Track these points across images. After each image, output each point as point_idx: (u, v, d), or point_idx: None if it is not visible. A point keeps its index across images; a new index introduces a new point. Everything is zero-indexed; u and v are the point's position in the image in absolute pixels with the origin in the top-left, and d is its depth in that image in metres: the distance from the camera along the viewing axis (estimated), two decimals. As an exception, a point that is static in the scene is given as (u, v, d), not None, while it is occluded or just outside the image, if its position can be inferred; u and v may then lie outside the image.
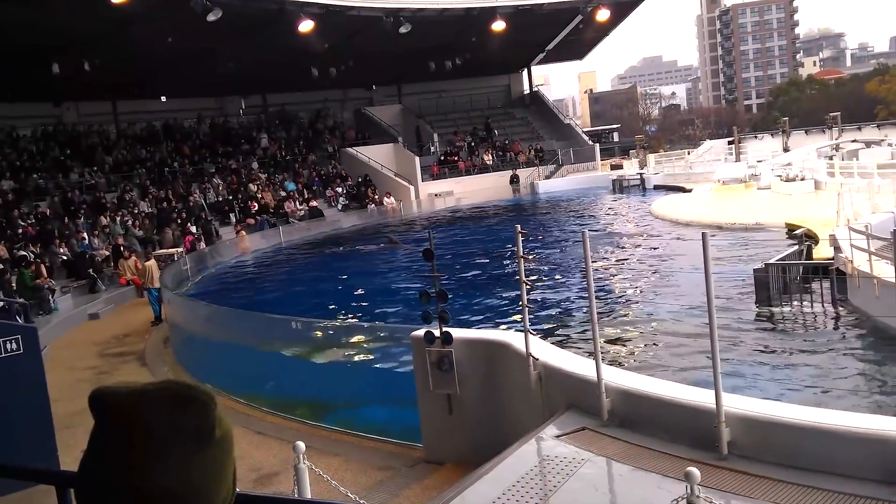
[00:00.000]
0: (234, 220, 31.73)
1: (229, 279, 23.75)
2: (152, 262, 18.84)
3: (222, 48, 32.54)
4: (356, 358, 9.99)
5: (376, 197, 38.72)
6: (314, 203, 35.84)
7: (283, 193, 36.20)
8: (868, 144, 34.11)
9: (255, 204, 33.63)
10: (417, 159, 41.68)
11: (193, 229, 28.79)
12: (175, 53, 31.81)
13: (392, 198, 38.77)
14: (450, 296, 7.57)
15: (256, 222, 31.92)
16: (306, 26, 33.13)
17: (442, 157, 44.36)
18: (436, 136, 45.72)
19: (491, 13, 40.28)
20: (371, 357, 9.86)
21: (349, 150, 42.09)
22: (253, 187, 35.30)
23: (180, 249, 25.48)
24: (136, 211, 29.33)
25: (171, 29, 29.78)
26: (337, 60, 39.06)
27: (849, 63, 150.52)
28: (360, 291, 19.05)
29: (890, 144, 33.32)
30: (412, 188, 40.44)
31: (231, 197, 34.06)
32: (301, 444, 4.71)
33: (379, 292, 18.90)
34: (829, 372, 9.56)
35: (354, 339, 10.44)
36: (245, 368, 11.30)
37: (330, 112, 46.23)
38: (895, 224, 12.77)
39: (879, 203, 16.93)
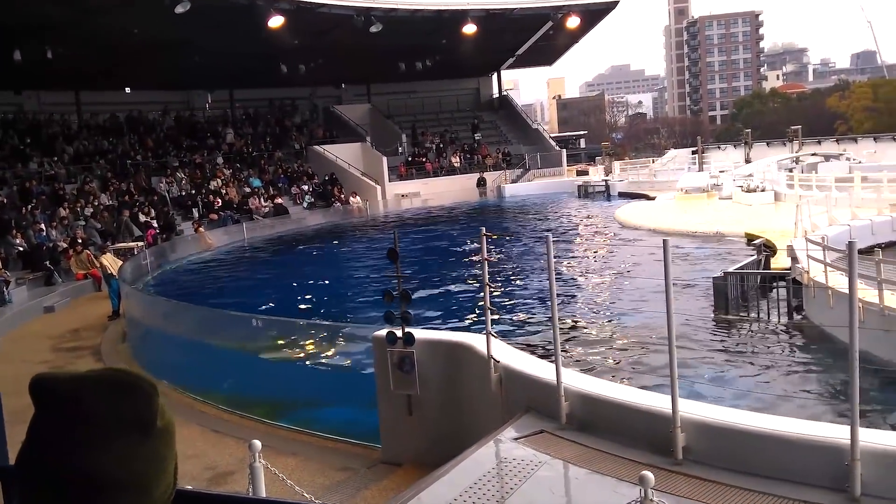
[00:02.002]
0: (196, 214, 31.32)
1: (190, 275, 23.44)
2: (108, 256, 18.51)
3: (190, 41, 32.11)
4: (317, 357, 9.92)
5: (342, 196, 38.53)
6: (279, 200, 35.56)
7: (248, 189, 35.84)
8: (827, 158, 34.85)
9: (219, 199, 33.24)
10: (385, 159, 41.60)
11: (155, 223, 28.38)
12: (141, 45, 31.32)
13: (358, 197, 38.62)
14: (413, 296, 7.56)
15: (219, 218, 31.56)
16: (276, 22, 32.87)
17: (409, 158, 44.32)
18: (404, 136, 45.68)
19: (462, 16, 40.37)
20: (332, 356, 9.81)
21: (316, 147, 41.83)
22: (217, 182, 34.90)
23: (141, 243, 25.09)
24: (96, 203, 28.80)
25: (138, 19, 29.32)
26: (306, 58, 38.83)
27: (811, 78, 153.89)
28: (323, 290, 18.94)
29: (848, 159, 34.10)
30: (379, 188, 40.34)
31: (194, 191, 33.63)
32: (257, 443, 4.66)
33: (342, 291, 18.82)
34: (783, 380, 9.75)
35: (315, 338, 10.37)
36: (203, 366, 11.15)
37: (298, 109, 45.94)
38: (851, 237, 13.08)
39: (836, 216, 17.32)
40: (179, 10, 28.06)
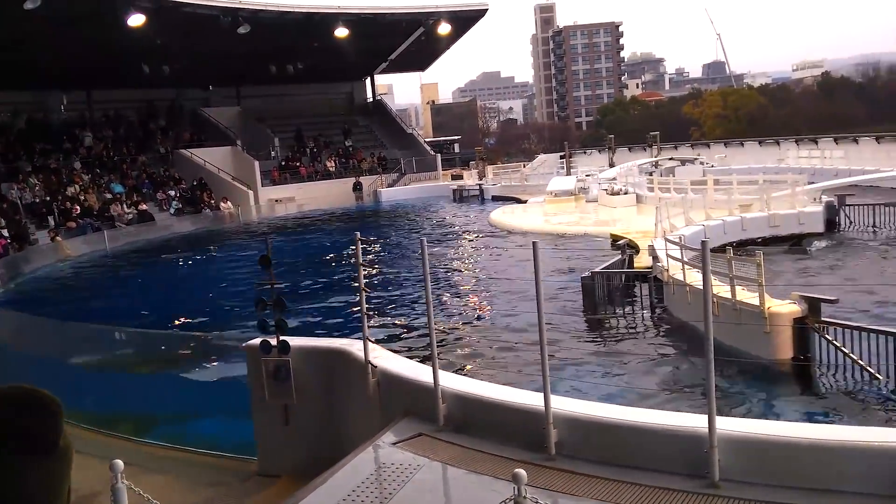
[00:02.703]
0: (52, 222, 29.41)
1: (47, 287, 21.98)
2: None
3: (42, 39, 30.12)
4: (187, 369, 9.55)
5: (212, 201, 37.30)
6: (144, 206, 33.97)
7: (109, 196, 34.02)
8: (683, 162, 36.92)
9: (77, 206, 31.35)
10: (257, 163, 40.67)
11: (6, 232, 26.43)
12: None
13: (229, 202, 37.52)
14: (288, 303, 7.42)
15: (78, 226, 29.79)
16: (137, 20, 31.42)
17: (283, 162, 43.50)
18: (277, 140, 44.78)
19: (334, 19, 40.07)
20: (203, 368, 9.47)
21: (183, 151, 40.29)
22: (74, 188, 32.91)
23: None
24: (-65, 211, 26.52)
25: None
26: (171, 58, 37.32)
27: (667, 86, 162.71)
28: (194, 299, 18.26)
29: (702, 163, 36.26)
30: (251, 193, 39.37)
31: (49, 198, 31.55)
32: (119, 463, 4.42)
33: (215, 300, 18.21)
34: (648, 373, 10.25)
35: (185, 350, 9.97)
36: (64, 382, 10.47)
37: (162, 111, 44.09)
38: (705, 236, 13.94)
39: (692, 217, 18.35)
40: (29, 5, 26.30)
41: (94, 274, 24.34)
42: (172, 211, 35.63)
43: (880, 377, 8.71)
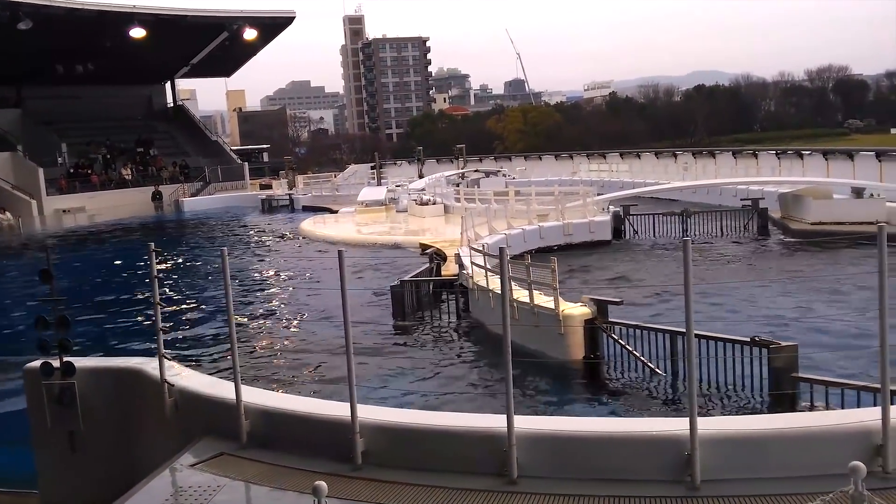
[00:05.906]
0: None
1: None
2: None
3: None
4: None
5: (-12, 212, 33.78)
6: None
7: None
8: (487, 174, 38.51)
9: None
10: (41, 171, 37.42)
11: None
12: None
13: (8, 213, 34.20)
14: (76, 321, 6.88)
15: None
16: None
17: (72, 170, 40.27)
18: (65, 145, 41.39)
19: (128, 18, 37.86)
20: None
21: (-48, 156, 36.20)
22: None
23: None
24: None
25: None
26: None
27: (472, 102, 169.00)
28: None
29: (505, 175, 38.02)
30: (35, 203, 36.16)
31: None
32: None
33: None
34: (454, 377, 10.52)
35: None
36: None
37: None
38: (507, 244, 14.59)
39: (495, 226, 19.13)
40: None
41: None
42: (-62, 222, 31.86)
43: (660, 371, 9.52)
